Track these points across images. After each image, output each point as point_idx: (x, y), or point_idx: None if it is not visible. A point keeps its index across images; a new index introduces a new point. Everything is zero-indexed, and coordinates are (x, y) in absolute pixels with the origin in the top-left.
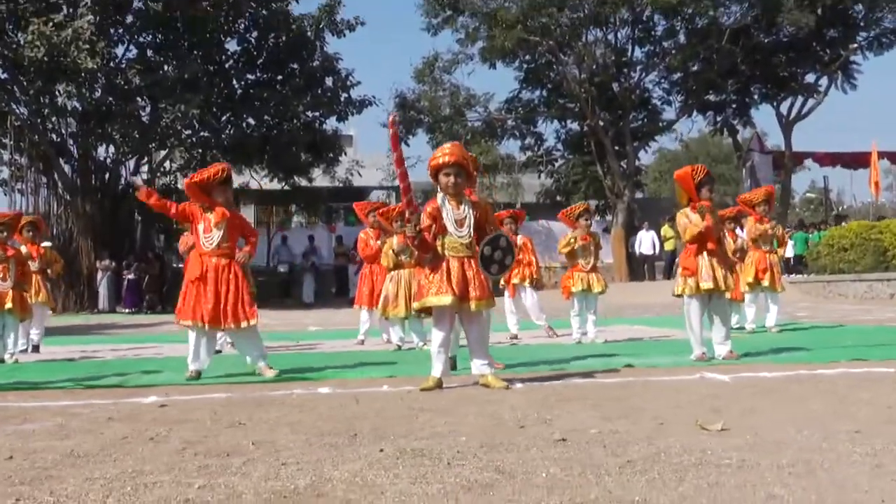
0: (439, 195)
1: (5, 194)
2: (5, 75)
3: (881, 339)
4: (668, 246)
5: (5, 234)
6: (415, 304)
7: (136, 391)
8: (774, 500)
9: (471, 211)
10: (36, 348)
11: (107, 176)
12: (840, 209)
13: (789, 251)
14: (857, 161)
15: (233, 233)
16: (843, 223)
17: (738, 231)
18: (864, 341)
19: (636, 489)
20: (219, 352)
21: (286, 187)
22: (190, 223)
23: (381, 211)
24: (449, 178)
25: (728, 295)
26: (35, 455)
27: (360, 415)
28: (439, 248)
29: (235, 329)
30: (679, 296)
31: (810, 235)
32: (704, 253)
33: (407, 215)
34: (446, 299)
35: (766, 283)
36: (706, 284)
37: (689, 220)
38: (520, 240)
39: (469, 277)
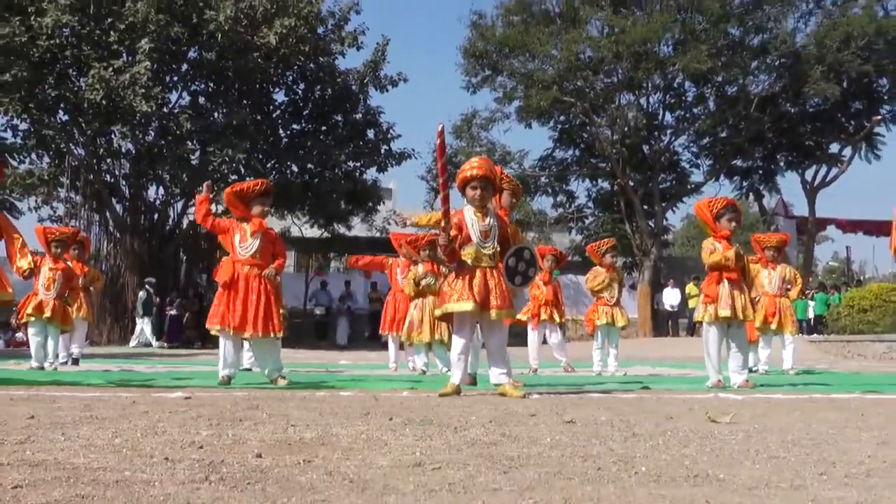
0: (466, 208)
1: None
2: (66, 117)
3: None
4: (692, 303)
5: (59, 249)
6: (437, 311)
7: (164, 389)
8: (777, 460)
9: (496, 223)
10: (75, 361)
11: (155, 216)
12: (862, 278)
13: (810, 312)
14: (878, 229)
15: (266, 246)
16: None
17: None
18: (880, 381)
19: (639, 450)
20: (248, 370)
21: (326, 234)
22: (224, 235)
23: (409, 239)
24: (476, 191)
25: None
26: (56, 415)
27: (376, 406)
28: (464, 258)
29: (262, 337)
30: (699, 322)
31: (831, 297)
32: (725, 282)
33: (442, 224)
34: (467, 305)
35: (773, 326)
36: (724, 312)
37: (714, 248)
38: (555, 281)
39: (491, 287)
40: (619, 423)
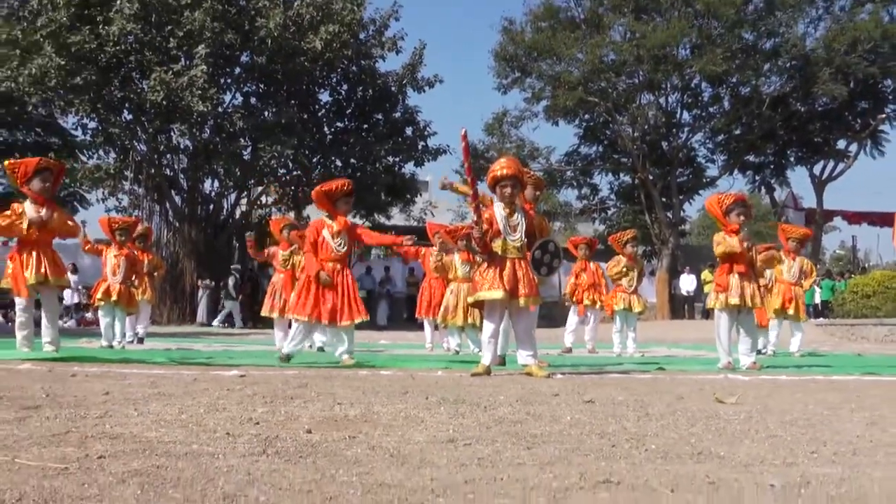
0: (496, 204)
1: None
2: (130, 116)
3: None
4: (707, 289)
5: (123, 238)
6: (469, 298)
7: (221, 367)
8: (774, 439)
9: (523, 218)
10: (141, 340)
11: (211, 207)
12: (867, 265)
13: (817, 297)
14: (882, 220)
15: (351, 240)
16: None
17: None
18: (879, 363)
19: (650, 428)
20: (321, 349)
21: (367, 223)
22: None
23: (448, 229)
24: (505, 189)
25: (755, 313)
26: (127, 391)
27: (414, 385)
28: (495, 249)
29: (349, 324)
30: (711, 309)
31: (836, 283)
32: (735, 272)
33: (474, 217)
34: (497, 293)
35: (791, 311)
36: (734, 300)
37: (725, 241)
38: (592, 266)
39: (519, 276)
40: (633, 402)
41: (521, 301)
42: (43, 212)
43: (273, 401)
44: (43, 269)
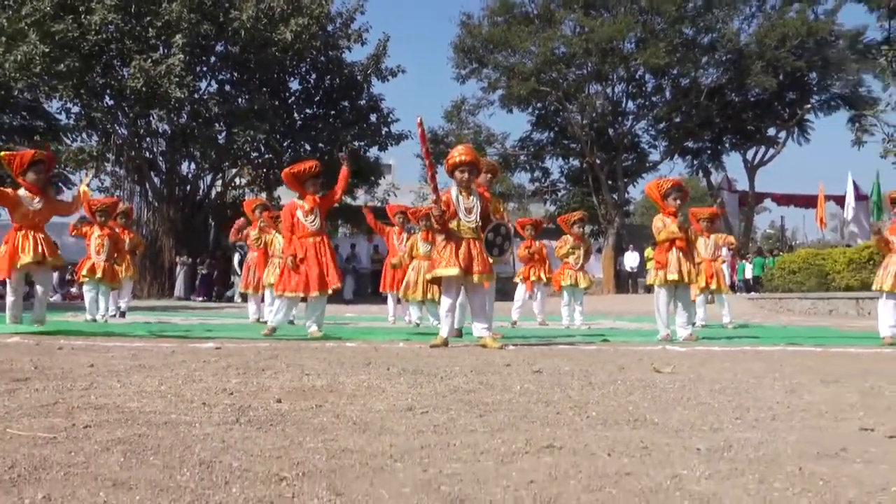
0: (453, 187)
1: None
2: (111, 102)
3: (816, 333)
4: (650, 265)
5: (104, 218)
6: (427, 275)
7: (198, 340)
8: (703, 406)
9: (478, 202)
10: (123, 314)
11: (188, 188)
12: (794, 244)
13: (748, 272)
14: (807, 202)
15: (324, 216)
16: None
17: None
18: (802, 334)
19: (592, 397)
20: (292, 322)
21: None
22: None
23: (411, 210)
24: (463, 175)
25: (692, 287)
26: (111, 364)
27: (376, 356)
28: (452, 229)
29: (321, 294)
30: (651, 285)
31: (766, 260)
32: (675, 250)
33: (433, 198)
34: (453, 270)
35: (713, 286)
36: (672, 276)
37: (664, 225)
38: (538, 244)
39: (473, 255)
40: (578, 372)
41: (476, 278)
42: (36, 201)
43: (246, 372)
44: (40, 250)
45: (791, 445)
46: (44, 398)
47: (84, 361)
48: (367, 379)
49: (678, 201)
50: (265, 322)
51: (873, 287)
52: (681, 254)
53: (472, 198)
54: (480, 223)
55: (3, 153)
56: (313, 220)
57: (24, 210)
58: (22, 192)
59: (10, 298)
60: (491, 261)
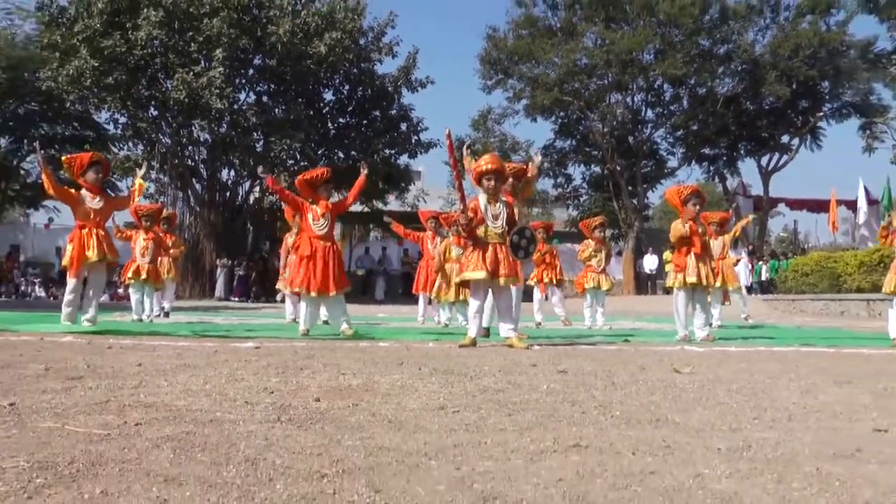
0: (481, 195)
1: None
2: (156, 112)
3: (829, 334)
4: (668, 268)
5: (149, 223)
6: (455, 278)
7: (239, 339)
8: (722, 406)
9: (504, 208)
10: (167, 314)
11: (227, 194)
12: (806, 247)
13: (764, 274)
14: (820, 206)
15: (333, 221)
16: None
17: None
18: (815, 335)
19: (615, 397)
20: (326, 322)
21: (366, 209)
22: (297, 210)
23: (443, 216)
24: (490, 183)
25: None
26: (157, 363)
27: (409, 356)
28: (479, 235)
29: (336, 294)
30: (670, 287)
31: (780, 263)
32: (692, 254)
33: (461, 206)
34: (480, 274)
35: (717, 284)
36: (691, 279)
37: (675, 227)
38: (548, 248)
39: (500, 259)
40: (601, 372)
41: (502, 281)
42: (97, 200)
43: (285, 371)
44: (104, 247)
45: (808, 446)
46: (97, 396)
47: (132, 360)
48: (401, 378)
49: (697, 206)
50: (326, 322)
51: (883, 290)
52: (699, 259)
53: (498, 205)
54: (507, 228)
55: (64, 157)
56: (323, 225)
57: (86, 209)
58: (84, 192)
59: (69, 296)
60: (517, 263)
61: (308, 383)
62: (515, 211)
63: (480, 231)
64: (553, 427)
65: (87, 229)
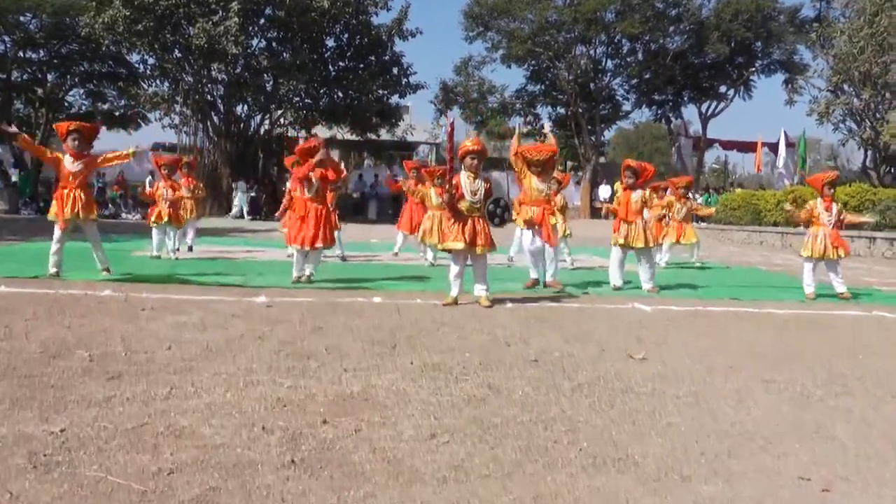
0: (463, 172)
1: (176, 135)
2: (179, 55)
3: (751, 280)
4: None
5: (167, 171)
6: (438, 245)
7: (252, 291)
8: (672, 427)
9: (482, 185)
10: (190, 248)
11: (241, 125)
12: (735, 177)
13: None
14: (748, 147)
15: (324, 186)
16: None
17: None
18: (739, 282)
19: (581, 410)
20: (344, 259)
21: (361, 139)
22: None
23: (427, 168)
24: (473, 161)
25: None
26: (184, 347)
27: (399, 325)
28: (460, 208)
29: (323, 247)
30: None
31: (712, 196)
32: (622, 222)
33: (448, 186)
34: (459, 245)
35: (683, 239)
36: (619, 240)
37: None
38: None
39: (477, 230)
40: (567, 364)
41: (478, 250)
42: (75, 163)
43: (294, 359)
44: (76, 209)
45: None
46: (133, 414)
47: (163, 337)
48: (396, 379)
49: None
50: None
51: (801, 252)
52: (626, 224)
53: (477, 181)
54: (483, 202)
55: (55, 124)
56: (314, 187)
57: (66, 171)
58: (66, 156)
59: (54, 246)
60: (490, 235)
61: (315, 390)
62: (490, 187)
63: (462, 205)
64: (531, 472)
65: (67, 189)
